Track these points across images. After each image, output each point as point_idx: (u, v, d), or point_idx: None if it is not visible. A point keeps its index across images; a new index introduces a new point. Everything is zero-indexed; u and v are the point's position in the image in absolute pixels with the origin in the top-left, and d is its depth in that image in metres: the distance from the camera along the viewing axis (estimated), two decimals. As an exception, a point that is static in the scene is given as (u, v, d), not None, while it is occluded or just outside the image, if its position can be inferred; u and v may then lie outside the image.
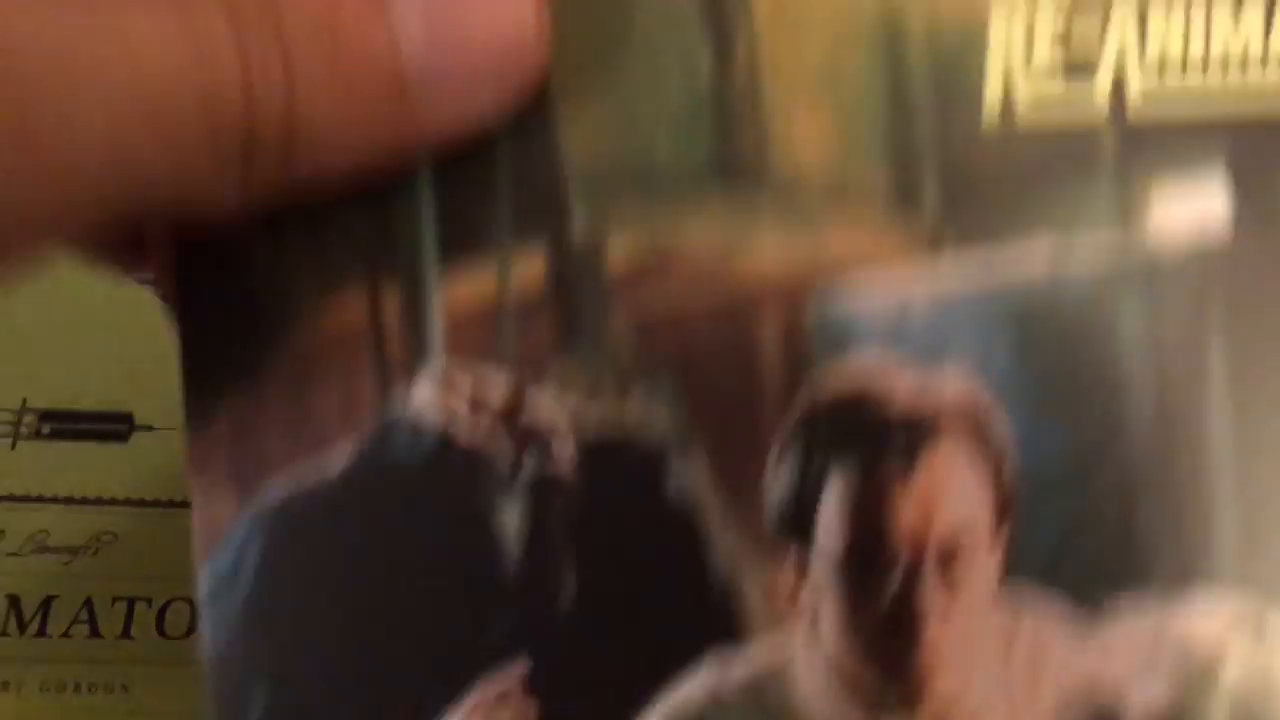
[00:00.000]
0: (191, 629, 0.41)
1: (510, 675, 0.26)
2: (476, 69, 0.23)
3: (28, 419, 0.44)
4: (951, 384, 0.27)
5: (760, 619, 0.27)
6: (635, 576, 0.27)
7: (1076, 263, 0.27)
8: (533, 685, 0.26)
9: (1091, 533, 0.27)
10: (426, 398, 0.26)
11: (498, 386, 0.26)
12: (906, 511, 0.27)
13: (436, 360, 0.26)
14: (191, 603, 0.39)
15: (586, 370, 0.26)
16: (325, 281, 0.26)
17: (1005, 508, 0.27)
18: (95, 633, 0.42)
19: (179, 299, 0.26)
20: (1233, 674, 0.28)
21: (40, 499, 0.43)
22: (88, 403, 0.43)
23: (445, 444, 0.26)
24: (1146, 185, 0.28)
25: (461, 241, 0.26)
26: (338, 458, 0.26)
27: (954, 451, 0.27)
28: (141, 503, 0.43)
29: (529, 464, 0.26)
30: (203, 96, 0.21)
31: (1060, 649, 0.27)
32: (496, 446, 0.26)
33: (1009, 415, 0.27)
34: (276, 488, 0.26)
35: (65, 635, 0.42)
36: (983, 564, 0.27)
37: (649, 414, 0.27)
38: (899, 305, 0.27)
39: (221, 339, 0.26)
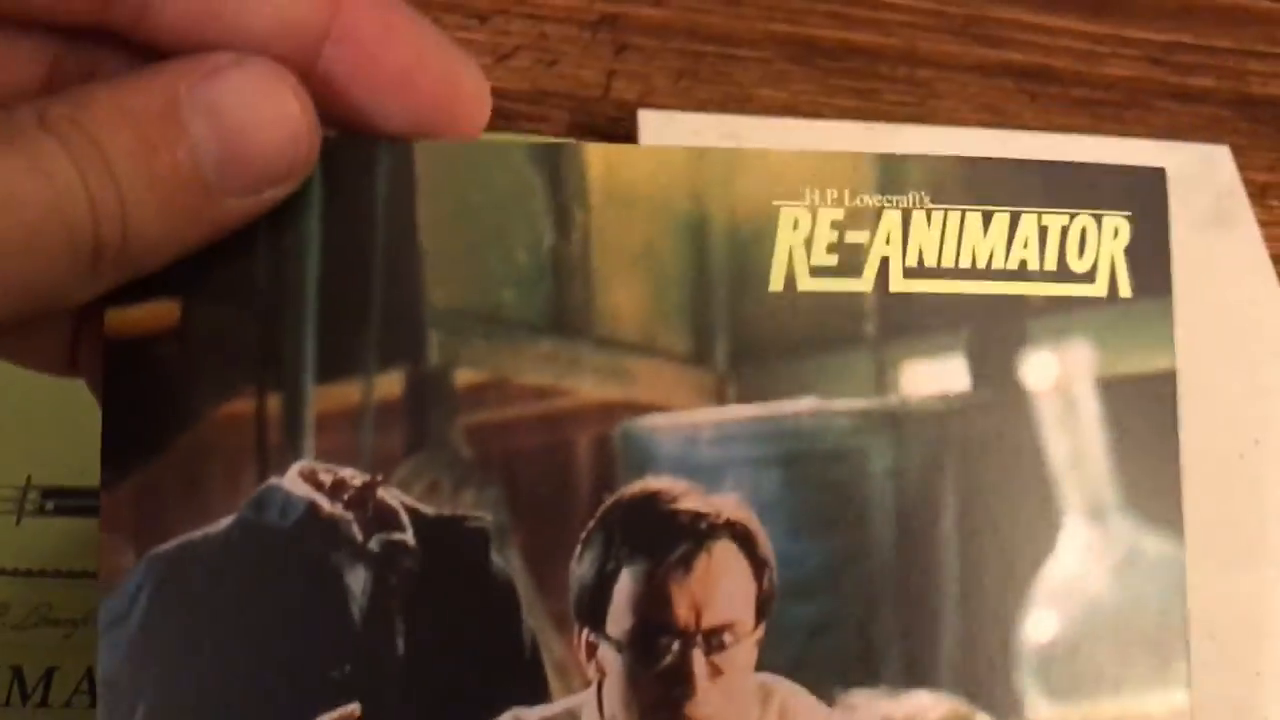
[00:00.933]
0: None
1: (345, 713, 0.32)
2: (261, 168, 0.30)
3: (31, 496, 0.46)
4: (728, 504, 0.33)
5: (557, 683, 0.33)
6: (458, 637, 0.32)
7: (836, 410, 0.34)
8: (363, 723, 0.32)
9: (834, 635, 0.34)
10: (295, 502, 0.32)
11: (354, 478, 0.32)
12: (682, 605, 0.33)
13: (307, 455, 0.32)
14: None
15: (429, 470, 0.33)
16: (222, 385, 0.32)
17: (764, 608, 0.33)
18: (95, 703, 0.40)
19: (105, 390, 0.32)
20: (944, 761, 0.34)
21: (43, 573, 0.44)
22: (89, 480, 0.43)
23: (310, 513, 0.32)
24: (899, 355, 0.34)
25: (336, 361, 0.32)
26: (216, 540, 0.32)
27: (725, 557, 0.33)
28: (140, 577, 0.45)
29: (377, 536, 0.32)
30: (64, 223, 0.27)
31: (804, 723, 0.33)
32: (351, 520, 0.32)
33: (773, 532, 0.34)
34: (168, 542, 0.32)
35: (67, 705, 0.42)
36: (743, 653, 0.33)
37: (478, 508, 0.33)
38: (688, 440, 0.34)
39: (134, 422, 0.32)
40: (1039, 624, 0.34)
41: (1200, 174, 0.64)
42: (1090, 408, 0.35)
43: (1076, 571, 0.35)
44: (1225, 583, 0.51)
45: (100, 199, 0.28)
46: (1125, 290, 0.35)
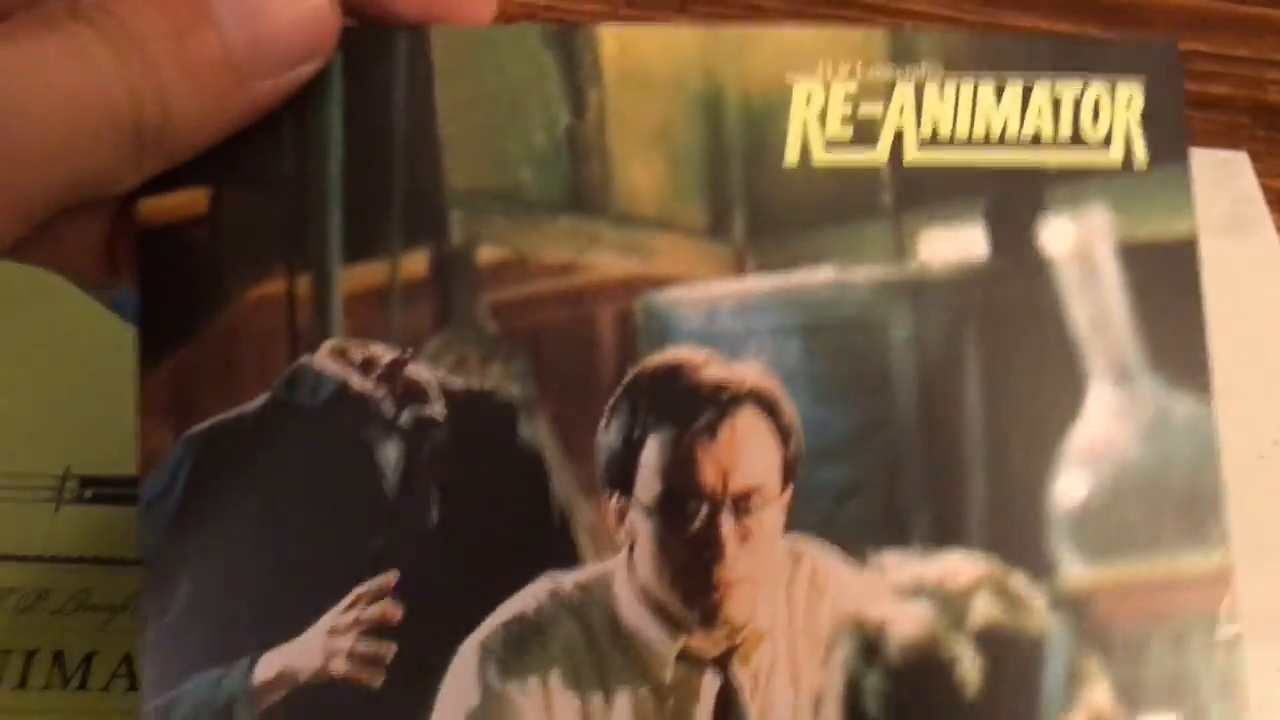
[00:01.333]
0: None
1: (382, 582, 0.33)
2: (286, 47, 0.31)
3: (70, 484, 0.46)
4: (750, 372, 0.34)
5: (588, 548, 0.33)
6: (489, 507, 0.33)
7: (855, 280, 0.34)
8: (400, 591, 0.33)
9: (861, 497, 0.34)
10: (326, 380, 0.33)
11: (384, 355, 0.33)
12: (708, 470, 0.33)
13: (336, 333, 0.33)
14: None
15: (456, 345, 0.34)
16: (252, 269, 0.33)
17: (790, 472, 0.34)
18: (133, 686, 0.42)
19: (141, 280, 0.33)
20: (978, 618, 0.34)
21: (82, 560, 0.45)
22: (127, 469, 0.44)
23: (341, 391, 0.33)
24: (916, 225, 0.35)
25: (362, 242, 0.33)
26: (251, 419, 0.33)
27: (750, 424, 0.34)
28: (178, 563, 0.46)
29: (407, 411, 0.33)
30: (106, 106, 0.29)
31: (834, 586, 0.34)
32: (382, 396, 0.33)
33: (796, 399, 0.34)
34: (204, 423, 0.33)
35: (105, 689, 0.42)
36: (770, 516, 0.34)
37: (505, 381, 0.33)
38: (709, 311, 0.34)
39: (170, 309, 0.33)
40: (1069, 485, 0.34)
41: (1219, 180, 0.65)
42: (1111, 273, 0.35)
43: (1104, 433, 0.35)
44: (1245, 580, 0.52)
45: (137, 82, 0.29)
46: (1141, 158, 0.35)
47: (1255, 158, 0.65)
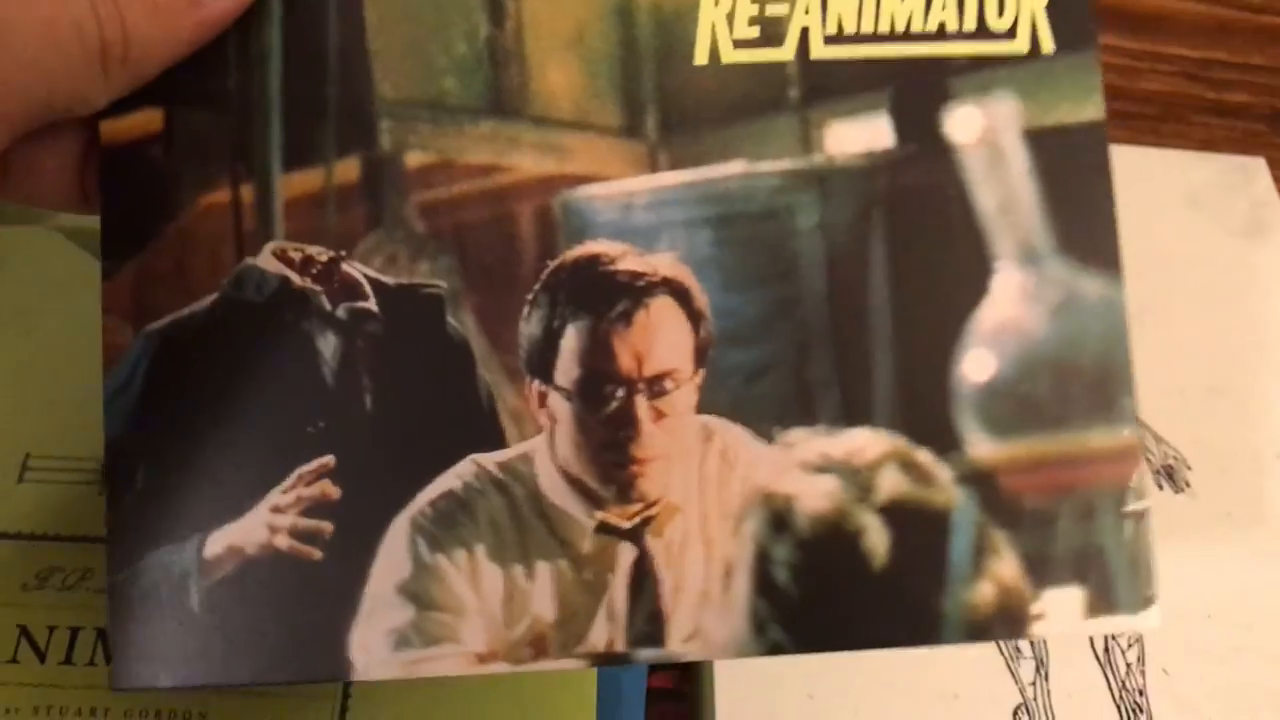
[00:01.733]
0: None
1: (321, 463, 0.35)
2: None
3: None
4: (663, 263, 0.36)
5: (512, 431, 0.36)
6: (420, 392, 0.35)
7: (763, 171, 0.36)
8: (338, 472, 0.35)
9: (770, 378, 0.36)
10: (269, 277, 0.36)
11: (320, 254, 0.36)
12: (624, 355, 0.35)
13: (278, 235, 0.36)
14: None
15: (387, 245, 0.36)
16: (202, 179, 0.36)
17: (701, 356, 0.36)
18: None
19: (102, 192, 0.36)
20: (884, 491, 0.35)
21: None
22: None
23: (284, 287, 0.36)
24: (823, 117, 0.36)
25: (299, 152, 0.36)
26: (202, 314, 0.36)
27: (663, 311, 0.36)
28: (218, 542, 0.48)
29: (343, 305, 0.36)
30: (73, 22, 0.32)
31: (744, 462, 0.35)
32: (320, 291, 0.36)
33: (707, 287, 0.36)
34: (161, 320, 0.36)
35: None
36: (683, 398, 0.35)
37: (432, 277, 0.36)
38: (624, 205, 0.36)
39: (129, 218, 0.36)
40: (976, 363, 0.36)
41: (1236, 185, 0.66)
42: (1018, 157, 0.36)
43: (1012, 313, 0.36)
44: (1261, 575, 0.53)
45: (99, 6, 0.32)
46: (1047, 45, 0.36)
47: (1273, 163, 0.67)
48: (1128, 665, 0.50)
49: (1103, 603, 0.35)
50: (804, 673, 0.48)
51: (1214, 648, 0.51)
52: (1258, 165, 0.67)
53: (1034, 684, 0.49)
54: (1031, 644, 0.50)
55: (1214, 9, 0.75)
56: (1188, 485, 0.55)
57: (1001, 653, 0.50)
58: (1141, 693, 0.49)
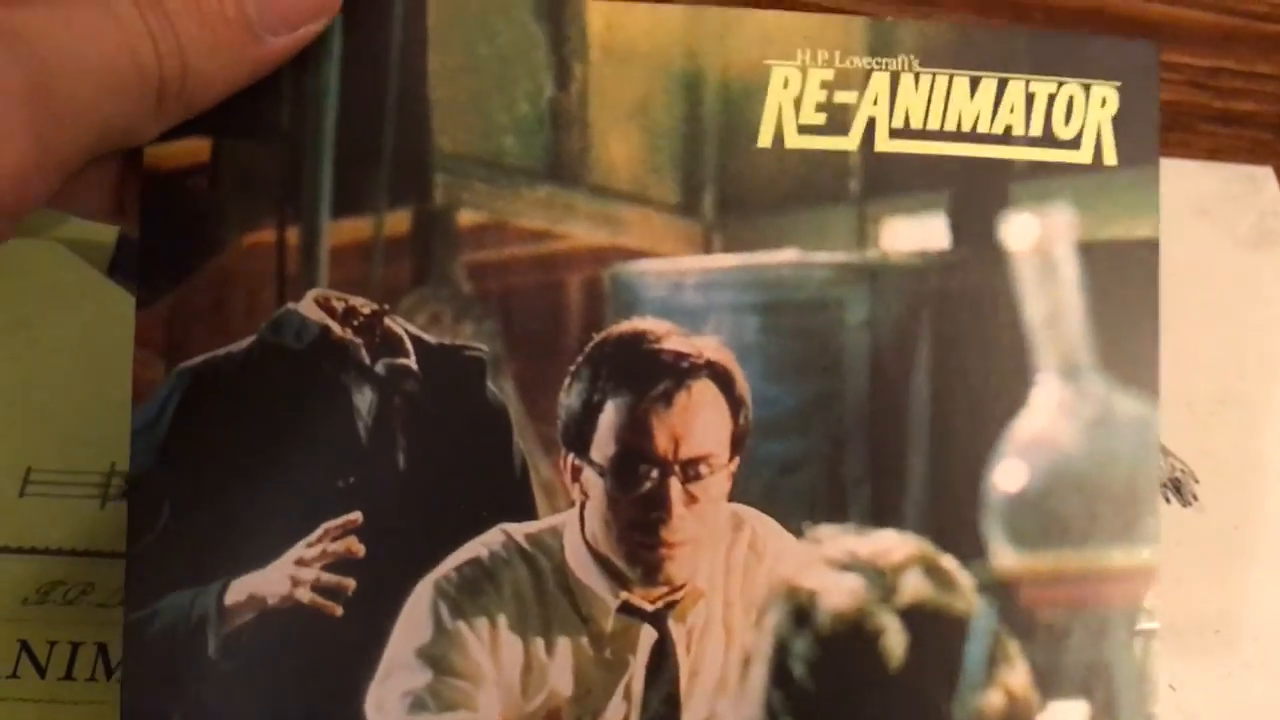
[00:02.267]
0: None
1: (349, 518, 0.35)
2: (296, 8, 0.33)
3: (115, 481, 0.48)
4: (708, 345, 0.36)
5: (543, 502, 0.35)
6: (454, 455, 0.35)
7: (816, 262, 0.36)
8: (364, 530, 0.35)
9: (804, 472, 0.36)
10: (309, 326, 0.35)
11: (364, 306, 0.35)
12: (661, 435, 0.35)
13: (321, 282, 0.35)
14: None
15: (432, 302, 0.36)
16: (247, 217, 0.35)
17: (739, 444, 0.36)
18: None
19: (142, 219, 0.35)
20: (907, 594, 0.36)
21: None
22: None
23: (323, 336, 0.35)
24: (881, 212, 0.36)
25: (350, 198, 0.35)
26: (237, 357, 0.35)
27: (704, 395, 0.35)
28: (219, 558, 0.47)
29: (383, 360, 0.35)
30: (134, 61, 0.31)
31: (772, 554, 0.36)
32: (360, 344, 0.35)
33: (750, 374, 0.36)
34: (195, 358, 0.35)
35: None
36: (717, 484, 0.35)
37: (476, 339, 0.35)
38: (674, 284, 0.36)
39: (167, 249, 0.35)
40: (1008, 474, 0.36)
41: (1243, 194, 0.65)
42: (1070, 269, 0.36)
43: (1048, 426, 0.36)
44: (1269, 590, 0.52)
45: (161, 38, 0.31)
46: (1111, 158, 0.36)
47: None
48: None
49: (1106, 718, 0.36)
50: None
51: (1221, 663, 0.50)
52: (1265, 174, 0.66)
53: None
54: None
55: (1221, 18, 0.73)
56: (1195, 498, 0.55)
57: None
58: (1148, 709, 0.49)
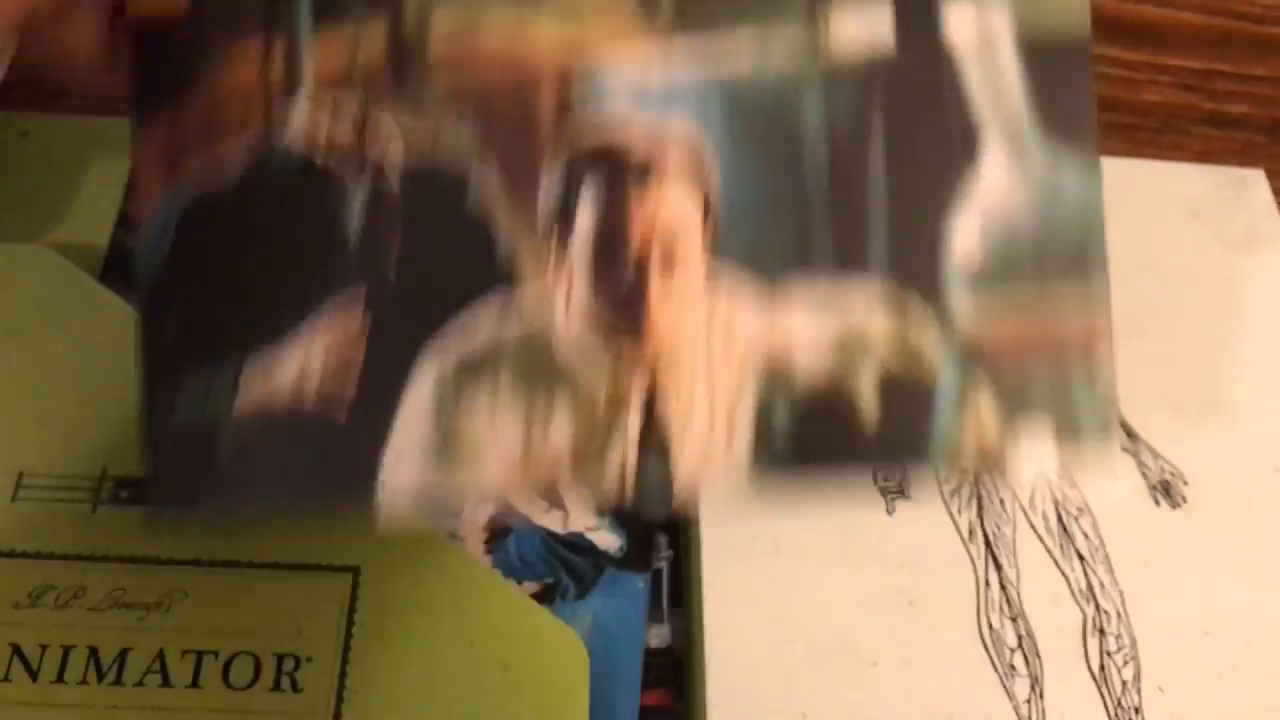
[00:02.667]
0: (254, 681, 0.43)
1: (352, 294, 0.37)
2: None
3: (107, 486, 0.47)
4: (676, 125, 0.38)
5: (530, 285, 0.37)
6: (444, 245, 0.37)
7: (773, 60, 0.38)
8: (367, 303, 0.37)
9: (775, 231, 0.38)
10: (299, 127, 0.37)
11: (349, 106, 0.37)
12: (639, 217, 0.37)
13: (308, 88, 0.37)
14: (255, 656, 0.44)
15: (413, 101, 0.37)
16: (231, 37, 0.37)
17: (709, 215, 0.37)
18: (166, 683, 0.43)
19: (133, 47, 0.37)
20: (879, 348, 0.37)
21: (118, 559, 0.45)
22: None
23: (315, 134, 0.37)
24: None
25: (330, 10, 0.37)
26: (233, 165, 0.37)
27: (676, 174, 0.37)
28: (210, 563, 0.45)
29: (371, 155, 0.37)
30: None
31: (748, 323, 0.37)
32: (345, 166, 0.37)
33: (717, 151, 0.38)
34: (194, 168, 0.37)
35: (139, 685, 0.43)
36: (694, 256, 0.37)
37: (456, 135, 0.37)
38: (641, 73, 0.38)
39: (160, 72, 0.37)
40: (964, 229, 0.38)
41: (1235, 197, 0.65)
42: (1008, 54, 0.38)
43: (997, 185, 0.38)
44: (1260, 592, 0.52)
45: None
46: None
47: (1272, 175, 0.66)
48: (1123, 683, 0.49)
49: (1068, 430, 0.38)
50: (798, 691, 0.47)
51: (1211, 665, 0.50)
52: (1257, 177, 0.66)
53: (1029, 702, 0.48)
54: (1026, 661, 0.49)
55: (1214, 20, 0.74)
56: (1185, 501, 0.54)
57: (996, 670, 0.49)
58: (1138, 710, 0.48)
